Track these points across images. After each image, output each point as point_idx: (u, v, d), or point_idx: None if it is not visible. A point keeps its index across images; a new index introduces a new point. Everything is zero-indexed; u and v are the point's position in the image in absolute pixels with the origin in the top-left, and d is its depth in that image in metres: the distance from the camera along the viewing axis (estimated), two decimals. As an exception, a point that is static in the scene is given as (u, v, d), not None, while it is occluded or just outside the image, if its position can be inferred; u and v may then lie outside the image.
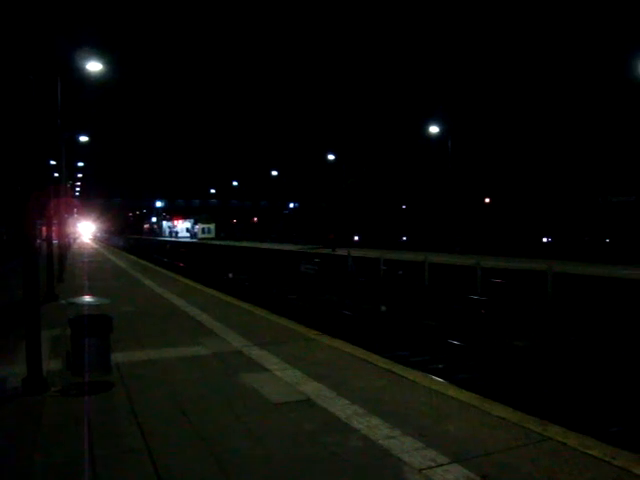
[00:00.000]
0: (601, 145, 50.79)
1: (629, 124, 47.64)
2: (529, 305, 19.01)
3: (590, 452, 4.71)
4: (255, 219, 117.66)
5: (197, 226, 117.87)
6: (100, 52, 19.60)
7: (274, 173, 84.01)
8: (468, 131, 59.55)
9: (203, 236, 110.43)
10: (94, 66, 19.17)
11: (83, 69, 19.26)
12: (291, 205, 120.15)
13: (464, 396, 6.38)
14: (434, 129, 42.50)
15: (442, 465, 4.48)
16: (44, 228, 16.46)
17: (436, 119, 46.31)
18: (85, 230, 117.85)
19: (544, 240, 40.17)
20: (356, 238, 65.50)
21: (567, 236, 41.74)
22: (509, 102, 67.56)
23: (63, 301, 13.86)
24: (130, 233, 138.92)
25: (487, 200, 64.69)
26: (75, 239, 78.86)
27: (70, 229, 53.08)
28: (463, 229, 46.28)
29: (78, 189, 77.79)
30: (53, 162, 27.06)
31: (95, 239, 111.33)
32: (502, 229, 48.44)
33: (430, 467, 4.45)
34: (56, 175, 26.75)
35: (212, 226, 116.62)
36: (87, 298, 7.71)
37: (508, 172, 59.78)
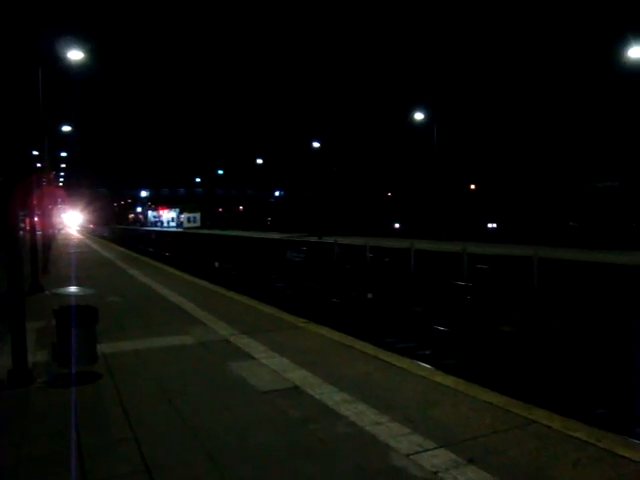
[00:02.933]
0: (586, 131, 51.07)
1: (613, 110, 47.93)
2: (514, 290, 19.15)
3: (575, 434, 4.77)
4: (241, 208, 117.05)
5: (182, 215, 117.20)
6: (84, 40, 19.33)
7: (259, 161, 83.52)
8: (453, 117, 59.67)
9: (189, 225, 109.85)
10: (75, 55, 18.92)
11: (65, 58, 19.00)
12: (277, 193, 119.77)
13: (450, 382, 6.42)
14: (419, 116, 42.55)
15: (429, 450, 4.52)
16: (28, 219, 16.29)
17: (421, 105, 46.27)
18: (71, 221, 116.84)
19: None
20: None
21: (552, 222, 42.00)
22: (494, 88, 67.69)
23: (48, 292, 13.78)
24: (116, 223, 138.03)
25: (472, 186, 64.87)
26: (60, 230, 78.19)
27: (55, 219, 52.59)
28: (449, 216, 46.47)
29: (62, 179, 77.13)
30: (36, 152, 26.78)
31: (81, 230, 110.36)
32: (488, 215, 48.67)
33: (417, 452, 4.48)
34: (39, 165, 26.50)
35: (198, 215, 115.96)
36: (72, 289, 7.69)
37: (493, 158, 59.99)
